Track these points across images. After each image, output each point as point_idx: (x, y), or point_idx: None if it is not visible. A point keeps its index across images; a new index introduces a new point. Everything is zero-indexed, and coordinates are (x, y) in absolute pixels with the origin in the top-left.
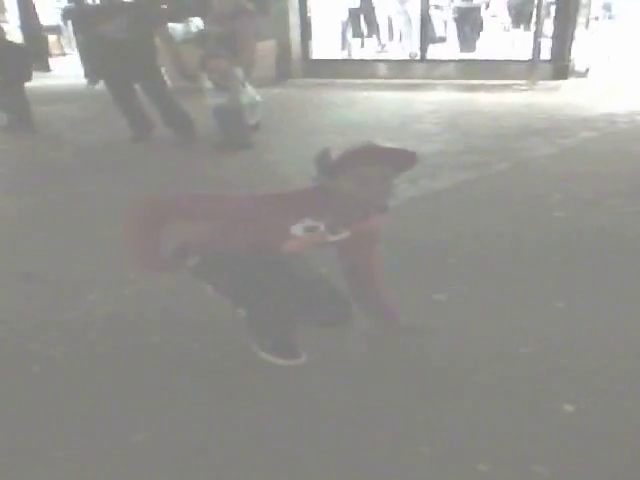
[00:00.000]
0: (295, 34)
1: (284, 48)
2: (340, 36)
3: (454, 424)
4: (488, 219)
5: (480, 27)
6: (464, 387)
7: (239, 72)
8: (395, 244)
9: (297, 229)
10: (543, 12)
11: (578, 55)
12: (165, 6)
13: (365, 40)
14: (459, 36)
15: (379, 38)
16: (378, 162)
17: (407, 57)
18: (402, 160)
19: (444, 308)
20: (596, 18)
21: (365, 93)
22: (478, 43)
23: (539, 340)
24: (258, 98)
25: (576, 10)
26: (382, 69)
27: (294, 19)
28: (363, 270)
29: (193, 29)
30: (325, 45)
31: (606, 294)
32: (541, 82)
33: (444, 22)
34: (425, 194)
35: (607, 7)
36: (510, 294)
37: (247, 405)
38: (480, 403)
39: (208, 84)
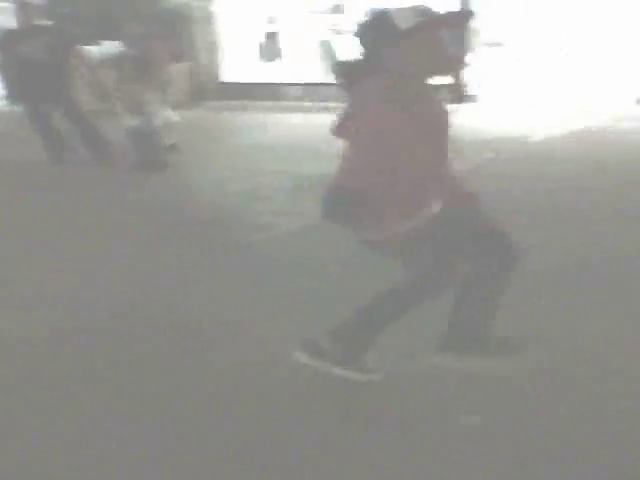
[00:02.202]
0: (207, 57)
1: (197, 71)
2: (253, 59)
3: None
4: None
5: None
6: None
7: (152, 96)
8: None
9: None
10: None
11: (470, 80)
12: (80, 29)
13: (278, 63)
14: None
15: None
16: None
17: (316, 80)
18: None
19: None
20: (488, 44)
21: (276, 115)
22: None
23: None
24: (175, 119)
25: (470, 36)
26: (293, 92)
27: (205, 42)
28: None
29: (109, 51)
30: (239, 68)
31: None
32: None
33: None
34: None
35: (495, 35)
36: None
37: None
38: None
39: (121, 107)
